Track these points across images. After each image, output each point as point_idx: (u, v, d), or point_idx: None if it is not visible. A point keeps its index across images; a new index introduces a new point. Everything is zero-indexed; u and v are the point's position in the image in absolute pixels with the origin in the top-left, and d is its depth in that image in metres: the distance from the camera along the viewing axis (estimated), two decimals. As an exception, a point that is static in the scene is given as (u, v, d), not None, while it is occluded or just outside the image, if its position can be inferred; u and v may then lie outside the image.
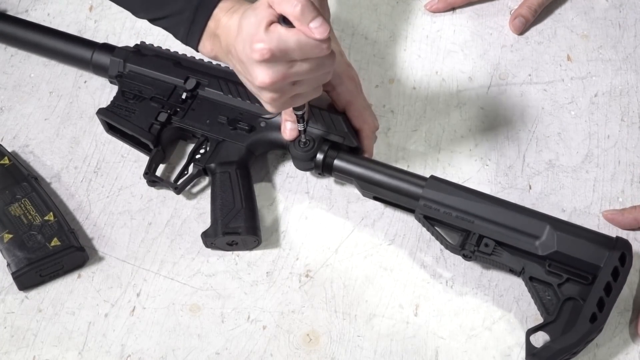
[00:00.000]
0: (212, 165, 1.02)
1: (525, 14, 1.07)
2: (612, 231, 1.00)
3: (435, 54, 1.16)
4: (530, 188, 1.04)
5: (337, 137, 1.00)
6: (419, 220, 0.96)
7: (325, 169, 1.00)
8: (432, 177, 0.97)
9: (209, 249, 1.00)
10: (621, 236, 0.93)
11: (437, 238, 0.96)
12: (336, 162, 1.00)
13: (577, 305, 0.89)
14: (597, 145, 1.07)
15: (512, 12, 1.11)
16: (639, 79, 1.12)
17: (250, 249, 1.00)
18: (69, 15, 1.22)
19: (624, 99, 1.11)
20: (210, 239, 0.98)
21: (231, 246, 0.99)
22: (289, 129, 0.99)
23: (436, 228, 0.96)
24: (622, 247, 0.90)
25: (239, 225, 0.98)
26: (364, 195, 1.01)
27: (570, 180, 1.04)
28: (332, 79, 0.98)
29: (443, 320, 0.95)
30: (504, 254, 0.93)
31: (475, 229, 0.93)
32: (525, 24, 1.10)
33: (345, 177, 1.00)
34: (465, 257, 0.95)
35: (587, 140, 1.07)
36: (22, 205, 1.00)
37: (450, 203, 0.94)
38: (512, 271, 0.94)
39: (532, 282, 0.92)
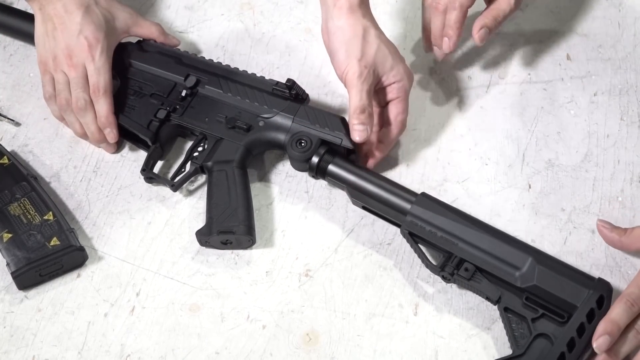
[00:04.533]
0: (209, 163, 1.02)
1: (490, 24, 1.04)
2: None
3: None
4: (529, 187, 1.04)
5: (334, 139, 1.00)
6: (404, 236, 0.96)
7: (318, 173, 1.00)
8: (423, 194, 0.96)
9: (208, 249, 1.00)
10: (603, 278, 0.91)
11: (419, 256, 0.96)
12: (330, 167, 1.00)
13: (549, 342, 0.88)
14: (597, 145, 1.07)
15: (476, 21, 1.06)
16: (639, 78, 1.12)
17: (245, 248, 1.00)
18: (68, 14, 1.22)
19: (623, 98, 1.11)
20: (205, 237, 0.98)
21: (225, 245, 0.99)
22: (357, 130, 0.98)
23: (419, 246, 0.95)
24: (601, 289, 0.89)
25: (233, 224, 0.97)
26: (353, 203, 1.01)
27: (569, 179, 1.04)
28: (396, 73, 1.00)
29: (443, 320, 0.95)
30: (483, 280, 0.92)
31: (458, 251, 0.92)
32: (489, 34, 1.05)
33: (337, 182, 1.00)
34: (444, 278, 0.94)
35: (587, 140, 1.07)
36: (22, 205, 1.00)
37: (437, 223, 0.94)
38: (488, 299, 0.93)
39: (506, 312, 0.91)
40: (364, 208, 1.01)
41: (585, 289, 0.88)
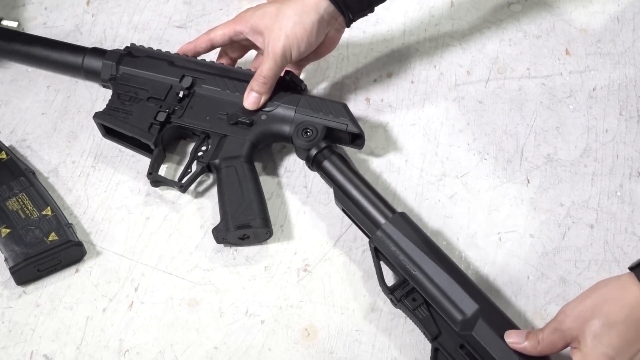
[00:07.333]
0: (217, 161, 1.01)
1: (258, 89, 1.02)
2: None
3: (433, 47, 1.16)
4: (528, 182, 1.04)
5: (340, 125, 1.00)
6: (370, 249, 0.95)
7: (314, 164, 1.01)
8: (401, 214, 0.95)
9: (207, 244, 1.00)
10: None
11: (376, 272, 0.94)
12: (325, 162, 0.99)
13: None
14: (596, 140, 1.07)
15: (247, 88, 1.04)
16: (638, 73, 1.12)
17: (261, 241, 1.00)
18: (66, 10, 1.21)
19: (622, 93, 1.10)
20: (222, 234, 0.98)
21: (242, 240, 0.99)
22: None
23: (381, 263, 0.94)
24: None
25: (250, 218, 0.97)
26: (336, 204, 1.00)
27: (568, 174, 1.04)
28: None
29: (441, 315, 0.95)
30: (426, 315, 0.91)
31: (413, 280, 0.91)
32: (260, 98, 1.03)
33: (327, 179, 1.00)
34: (391, 300, 0.93)
35: (586, 135, 1.07)
36: (20, 200, 1.00)
37: (403, 246, 0.92)
38: (425, 333, 0.91)
39: (436, 353, 0.89)
40: (344, 212, 1.00)
41: (520, 357, 0.86)
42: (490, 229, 1.01)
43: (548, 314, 0.94)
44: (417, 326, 0.92)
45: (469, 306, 0.88)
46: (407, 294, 0.92)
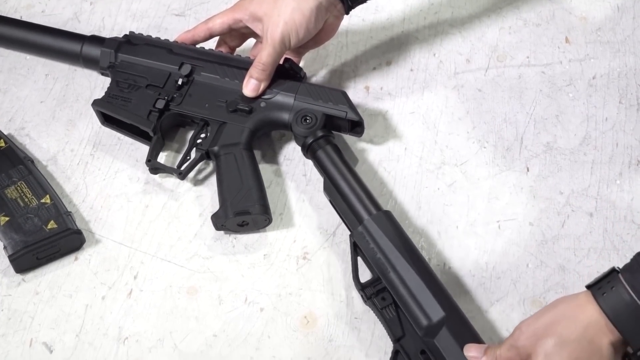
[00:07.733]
0: (216, 148, 1.01)
1: (257, 76, 1.02)
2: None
3: (432, 35, 1.16)
4: (528, 170, 1.04)
5: (339, 112, 1.00)
6: (350, 243, 0.95)
7: (309, 152, 1.01)
8: (386, 212, 0.95)
9: (206, 232, 1.00)
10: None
11: (352, 266, 0.94)
12: (319, 152, 0.99)
13: None
14: (595, 128, 1.07)
15: (246, 75, 1.04)
16: (637, 62, 1.12)
17: (260, 228, 1.00)
18: (64, -3, 1.21)
19: (622, 82, 1.10)
20: (221, 220, 0.98)
21: (242, 227, 0.99)
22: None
23: (358, 258, 0.94)
24: None
25: (249, 204, 0.97)
26: (324, 194, 1.00)
27: (568, 162, 1.04)
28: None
29: (440, 303, 0.95)
30: (393, 316, 0.91)
31: (385, 279, 0.91)
32: (259, 85, 1.03)
33: (319, 169, 1.00)
34: (362, 297, 0.94)
35: (585, 123, 1.07)
36: (19, 188, 0.99)
37: (381, 244, 0.92)
38: (388, 334, 0.91)
39: (396, 355, 0.89)
40: (330, 203, 1.00)
41: None
42: (490, 217, 1.01)
43: (547, 302, 0.93)
44: (383, 325, 0.92)
45: (436, 313, 0.88)
46: (377, 292, 0.92)
